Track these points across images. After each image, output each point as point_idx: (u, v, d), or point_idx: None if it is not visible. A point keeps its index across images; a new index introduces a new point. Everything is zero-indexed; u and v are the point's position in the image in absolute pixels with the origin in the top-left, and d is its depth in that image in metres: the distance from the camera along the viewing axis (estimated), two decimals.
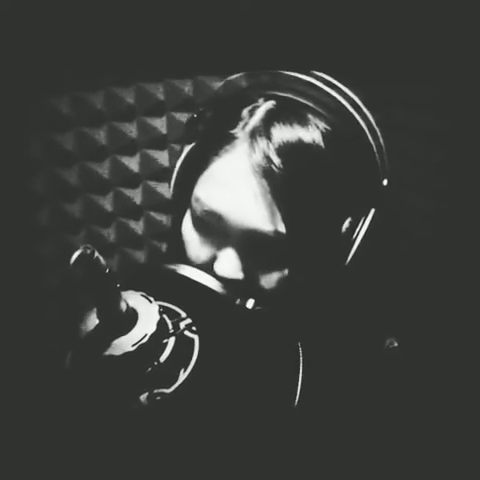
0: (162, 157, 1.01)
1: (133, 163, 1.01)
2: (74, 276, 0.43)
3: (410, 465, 0.63)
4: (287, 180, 0.61)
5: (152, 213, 1.03)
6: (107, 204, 1.01)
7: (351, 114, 0.67)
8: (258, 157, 0.61)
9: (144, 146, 1.00)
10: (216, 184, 0.65)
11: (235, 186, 0.63)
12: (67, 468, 0.50)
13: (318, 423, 0.59)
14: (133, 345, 0.48)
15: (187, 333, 0.53)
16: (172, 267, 0.61)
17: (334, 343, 0.67)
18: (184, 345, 0.52)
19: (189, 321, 0.54)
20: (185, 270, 0.61)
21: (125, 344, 0.48)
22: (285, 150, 0.61)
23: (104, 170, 1.00)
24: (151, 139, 1.00)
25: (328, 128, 0.64)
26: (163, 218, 1.04)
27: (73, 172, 0.98)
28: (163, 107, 1.00)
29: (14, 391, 0.56)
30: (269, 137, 0.62)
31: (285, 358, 0.58)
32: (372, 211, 0.67)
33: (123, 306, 0.48)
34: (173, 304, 0.55)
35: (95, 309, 0.49)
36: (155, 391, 0.49)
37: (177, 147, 1.00)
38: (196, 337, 0.53)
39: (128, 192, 1.02)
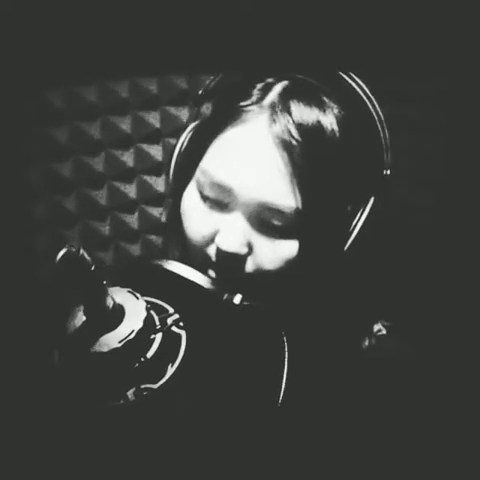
0: (157, 151, 1.02)
1: (128, 157, 1.01)
2: (60, 273, 0.44)
3: (398, 460, 0.63)
4: (305, 157, 0.61)
5: (147, 207, 1.04)
6: (102, 198, 1.01)
7: (364, 102, 0.67)
8: (279, 129, 0.61)
9: (139, 140, 1.00)
10: (229, 155, 0.63)
11: (253, 157, 0.62)
12: (56, 465, 0.50)
13: (303, 416, 0.60)
14: (120, 341, 0.48)
15: (174, 329, 0.54)
16: (159, 262, 0.61)
17: (321, 334, 0.67)
18: (171, 341, 0.53)
19: (176, 317, 0.55)
20: (172, 265, 0.61)
21: (112, 340, 0.49)
22: (304, 127, 0.61)
23: (99, 164, 1.00)
24: (146, 133, 1.00)
25: (342, 113, 0.65)
26: (158, 212, 1.04)
27: (68, 166, 0.98)
28: (158, 101, 1.00)
29: (3, 386, 0.57)
30: (289, 112, 0.61)
31: (271, 352, 0.58)
32: (372, 199, 0.67)
33: (110, 303, 0.48)
34: (160, 300, 0.56)
35: (82, 306, 0.49)
36: (142, 386, 0.50)
37: (172, 141, 1.00)
38: (183, 333, 0.54)
39: (123, 186, 1.02)
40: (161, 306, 0.56)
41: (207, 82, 0.75)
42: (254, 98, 0.63)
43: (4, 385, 0.56)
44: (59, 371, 0.51)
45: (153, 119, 1.00)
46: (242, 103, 0.63)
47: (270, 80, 0.65)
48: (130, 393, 0.50)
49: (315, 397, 0.62)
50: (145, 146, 1.01)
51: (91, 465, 0.50)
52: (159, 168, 1.02)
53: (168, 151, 1.01)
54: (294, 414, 0.57)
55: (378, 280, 0.82)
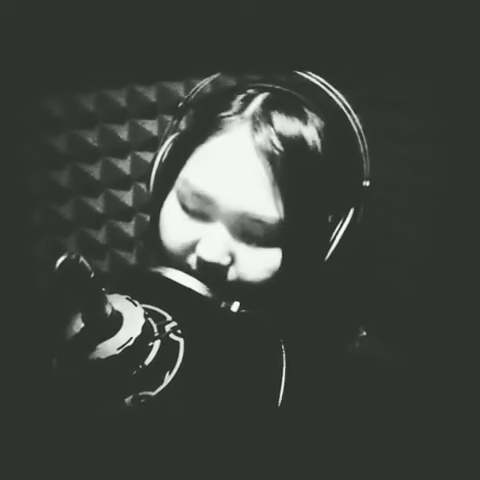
0: None
1: (125, 165, 1.01)
2: (59, 281, 0.44)
3: (396, 462, 0.64)
4: (287, 167, 0.61)
5: (143, 215, 1.04)
6: (98, 206, 1.01)
7: (342, 113, 0.67)
8: (261, 139, 0.61)
9: (135, 148, 1.01)
10: (210, 165, 0.63)
11: (235, 166, 0.62)
12: (54, 471, 0.50)
13: (301, 422, 0.60)
14: (118, 348, 0.49)
15: (172, 336, 0.54)
16: (157, 270, 0.61)
17: (316, 341, 0.67)
18: (169, 348, 0.53)
19: (174, 324, 0.55)
20: (170, 273, 0.61)
21: (110, 347, 0.49)
22: (286, 138, 0.61)
23: (96, 172, 1.00)
24: (143, 141, 1.01)
25: (322, 124, 0.65)
26: None
27: (65, 174, 0.98)
28: (155, 109, 1.00)
29: (2, 393, 0.57)
30: (271, 123, 0.62)
31: (269, 359, 0.58)
32: (351, 210, 0.67)
33: (108, 310, 0.49)
34: (158, 307, 0.56)
35: (80, 313, 0.49)
36: (140, 394, 0.50)
37: None
38: (181, 340, 0.54)
39: (119, 194, 1.02)
40: (159, 313, 0.56)
41: (186, 95, 0.75)
42: (235, 108, 0.64)
43: (3, 392, 0.56)
44: (57, 378, 0.51)
45: (150, 127, 1.00)
46: (223, 113, 0.64)
47: (251, 91, 0.66)
48: (128, 400, 0.50)
49: (313, 404, 0.62)
50: (142, 154, 1.01)
51: (89, 472, 0.50)
52: None
53: None
54: (292, 421, 0.57)
55: (361, 288, 0.83)
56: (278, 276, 0.64)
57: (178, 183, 0.66)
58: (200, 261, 0.63)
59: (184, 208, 0.66)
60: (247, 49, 0.91)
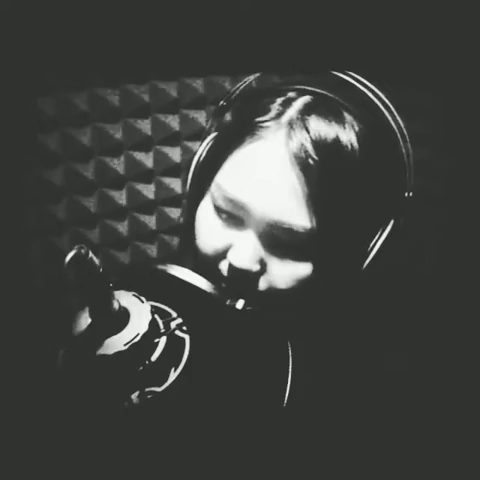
0: (147, 159, 1.02)
1: (118, 164, 1.01)
2: (68, 276, 0.44)
3: (400, 464, 0.64)
4: (322, 175, 0.59)
5: (138, 214, 1.04)
6: (92, 205, 1.01)
7: (386, 119, 0.64)
8: (295, 147, 0.59)
9: (130, 147, 1.01)
10: (244, 171, 0.63)
11: (268, 174, 0.61)
12: (59, 466, 0.50)
13: (307, 423, 0.60)
14: (125, 344, 0.48)
15: (178, 333, 0.54)
16: (163, 267, 0.61)
17: (325, 343, 0.68)
18: (175, 344, 0.53)
19: (180, 321, 0.55)
20: (175, 270, 0.61)
21: (117, 343, 0.48)
22: (322, 145, 0.60)
23: (89, 171, 1.00)
24: (137, 141, 1.00)
25: (363, 130, 0.63)
26: (147, 219, 1.04)
27: (58, 173, 0.98)
28: (149, 108, 1.00)
29: (3, 392, 0.56)
30: (307, 129, 0.60)
31: (275, 357, 0.59)
32: (391, 222, 0.66)
33: (115, 306, 0.48)
34: (164, 304, 0.56)
35: (87, 308, 0.49)
36: (146, 390, 0.50)
37: (163, 148, 1.01)
38: (187, 337, 0.54)
39: (113, 193, 1.02)
40: (164, 310, 0.56)
41: (229, 92, 0.73)
42: (272, 113, 0.62)
43: (9, 388, 0.55)
44: (64, 373, 0.50)
45: (144, 126, 1.00)
46: (260, 118, 0.62)
47: (291, 94, 0.64)
48: (134, 396, 0.50)
49: (319, 403, 0.62)
50: (136, 154, 1.01)
51: (94, 467, 0.50)
52: (150, 175, 1.02)
53: (159, 158, 1.02)
54: (298, 419, 0.57)
55: (388, 300, 0.81)
56: (308, 286, 0.63)
57: (213, 186, 0.66)
58: (231, 267, 0.63)
59: (218, 212, 0.65)
60: (252, 45, 0.91)
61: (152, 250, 1.06)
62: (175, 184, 1.04)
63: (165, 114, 1.01)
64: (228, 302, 0.60)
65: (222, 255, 0.65)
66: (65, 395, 0.50)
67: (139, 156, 1.01)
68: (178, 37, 0.94)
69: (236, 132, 0.65)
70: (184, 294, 0.60)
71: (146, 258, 1.06)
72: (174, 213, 1.05)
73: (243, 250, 0.62)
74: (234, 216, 0.64)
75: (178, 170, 1.03)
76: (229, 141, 0.65)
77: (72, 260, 0.43)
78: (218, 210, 0.65)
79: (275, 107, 0.63)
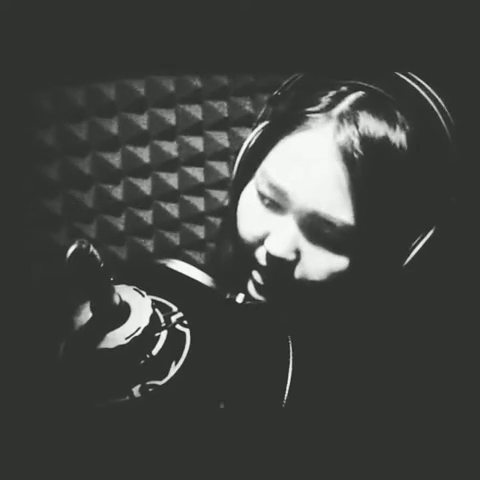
0: (143, 154, 1.02)
1: (115, 159, 1.01)
2: (68, 270, 0.44)
3: (400, 464, 0.64)
4: (366, 171, 0.59)
5: (133, 209, 1.03)
6: (88, 200, 1.01)
7: (439, 121, 0.64)
8: (342, 140, 0.59)
9: (126, 142, 1.00)
10: (290, 159, 0.63)
11: (313, 164, 0.61)
12: (60, 461, 0.50)
13: (307, 418, 0.60)
14: (126, 338, 0.49)
15: (178, 327, 0.54)
16: (163, 262, 0.62)
17: (326, 339, 0.67)
18: (176, 338, 0.53)
19: (180, 315, 0.55)
20: (176, 265, 0.61)
21: (118, 337, 0.49)
22: (370, 141, 0.59)
23: (86, 166, 0.99)
24: (133, 136, 1.00)
25: (414, 131, 0.62)
26: (144, 214, 1.04)
27: (54, 168, 0.97)
28: (145, 103, 1.00)
29: (3, 386, 0.56)
30: (356, 124, 0.60)
31: (275, 352, 0.59)
32: (434, 228, 0.65)
33: (116, 300, 0.49)
34: (165, 298, 0.56)
35: (89, 303, 0.49)
36: (147, 383, 0.50)
37: (160, 143, 1.01)
38: (187, 331, 0.54)
39: (110, 188, 1.01)
40: (165, 304, 0.56)
41: (284, 83, 0.73)
42: (323, 105, 0.62)
43: (9, 382, 0.55)
44: (65, 367, 0.51)
45: (141, 121, 1.00)
46: (310, 109, 0.62)
47: (344, 89, 0.63)
48: (136, 389, 0.50)
49: (319, 399, 0.62)
50: (132, 148, 1.01)
51: (96, 461, 0.50)
52: (147, 170, 1.02)
53: (155, 153, 1.01)
54: (298, 413, 0.57)
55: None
56: (342, 280, 0.63)
57: (258, 172, 0.67)
58: (268, 255, 0.63)
59: (261, 198, 0.66)
60: (252, 45, 0.90)
61: (149, 245, 1.06)
62: (172, 179, 1.03)
63: (161, 109, 1.00)
64: (228, 296, 0.61)
65: (260, 242, 0.66)
66: (67, 389, 0.51)
67: (136, 151, 1.01)
68: (175, 32, 0.94)
69: (286, 121, 0.65)
70: (185, 288, 0.60)
71: (145, 253, 1.06)
72: (171, 208, 1.04)
73: (281, 238, 0.63)
74: (276, 203, 0.64)
75: (175, 165, 1.03)
76: (279, 130, 0.66)
77: (73, 254, 0.43)
78: (261, 196, 0.66)
79: (327, 99, 0.63)
